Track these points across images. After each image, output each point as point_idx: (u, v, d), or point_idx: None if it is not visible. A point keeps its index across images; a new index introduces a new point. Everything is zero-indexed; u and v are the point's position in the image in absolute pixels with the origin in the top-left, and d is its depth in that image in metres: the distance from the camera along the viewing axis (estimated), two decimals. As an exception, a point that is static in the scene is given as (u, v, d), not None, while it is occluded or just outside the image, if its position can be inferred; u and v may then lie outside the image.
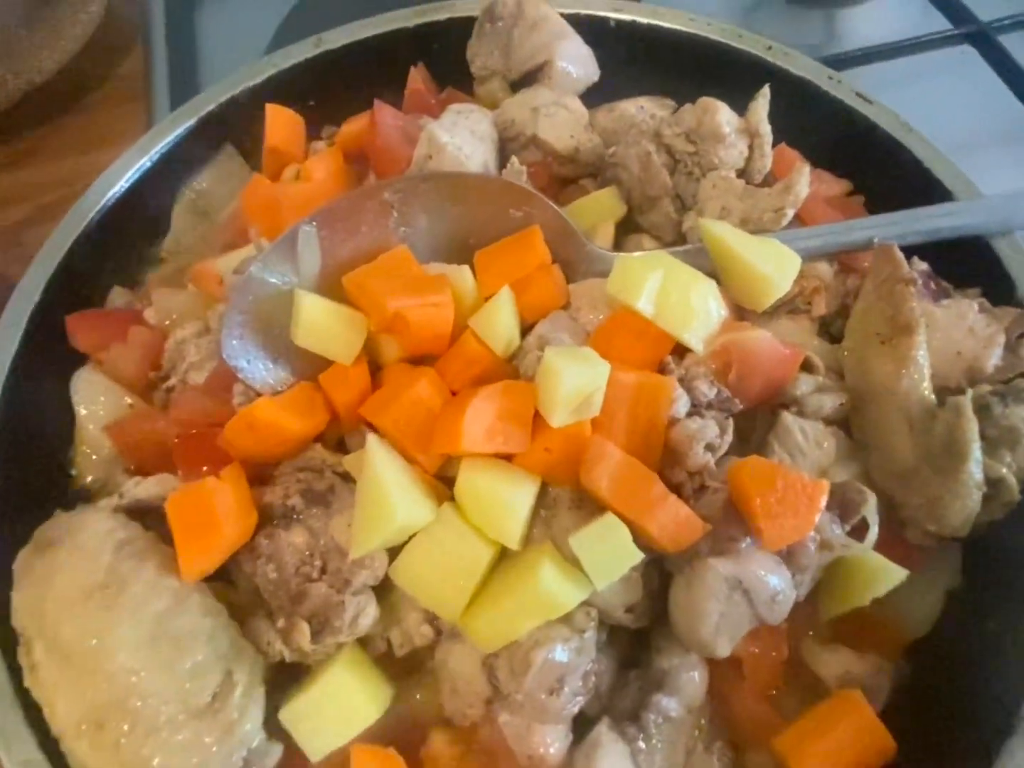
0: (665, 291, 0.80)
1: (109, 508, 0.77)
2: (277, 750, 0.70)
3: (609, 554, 0.67)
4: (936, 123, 1.49)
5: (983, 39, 1.42)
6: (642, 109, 1.08)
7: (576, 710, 0.71)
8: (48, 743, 0.67)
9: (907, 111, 1.53)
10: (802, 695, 0.79)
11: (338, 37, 1.14)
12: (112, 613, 0.67)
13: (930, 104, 1.47)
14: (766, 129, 0.93)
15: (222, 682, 0.67)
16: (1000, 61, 1.39)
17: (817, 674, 0.79)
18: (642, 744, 0.72)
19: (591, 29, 1.13)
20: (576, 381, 0.70)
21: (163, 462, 0.84)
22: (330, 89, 1.14)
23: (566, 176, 1.07)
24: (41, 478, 0.87)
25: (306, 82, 1.13)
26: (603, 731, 0.71)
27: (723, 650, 0.72)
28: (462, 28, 1.14)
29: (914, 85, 1.49)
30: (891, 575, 0.75)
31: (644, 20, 1.13)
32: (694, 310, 0.80)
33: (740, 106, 0.98)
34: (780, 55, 1.08)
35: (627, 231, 1.01)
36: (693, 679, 0.75)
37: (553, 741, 0.70)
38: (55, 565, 0.71)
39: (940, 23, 1.53)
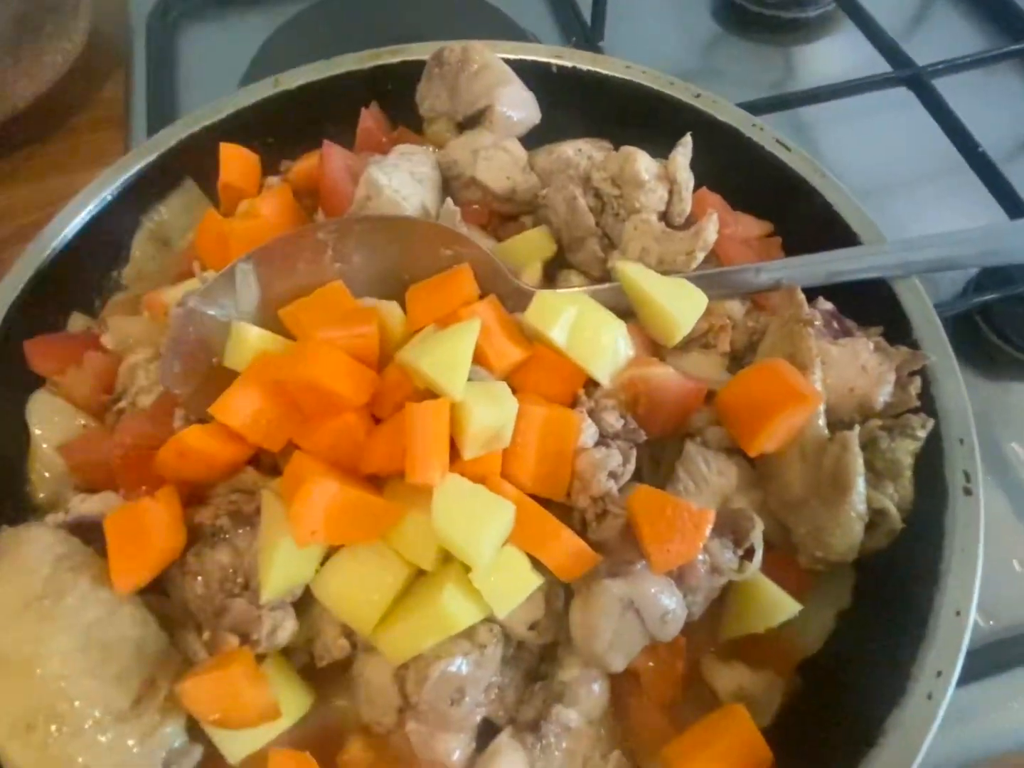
0: (579, 326, 0.87)
1: (53, 523, 0.83)
2: (197, 752, 0.75)
3: (508, 583, 0.73)
4: (874, 161, 1.57)
5: (918, 82, 1.49)
6: (579, 151, 1.14)
7: (478, 720, 0.76)
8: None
9: (847, 149, 1.61)
10: (699, 708, 0.84)
11: (295, 78, 1.20)
12: (47, 623, 0.73)
13: (870, 143, 1.56)
14: (683, 176, 1.00)
15: (144, 687, 0.73)
16: (934, 104, 1.46)
17: (712, 688, 0.85)
18: (540, 753, 0.77)
19: (534, 74, 1.19)
20: (486, 418, 0.76)
21: (110, 480, 0.90)
22: (287, 127, 1.21)
23: (506, 213, 1.13)
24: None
25: (264, 120, 1.20)
26: (504, 740, 0.77)
27: (617, 665, 0.77)
28: (414, 71, 1.21)
29: (856, 123, 1.58)
30: (785, 608, 0.81)
31: (584, 67, 1.20)
32: (603, 346, 0.87)
33: (670, 150, 1.04)
34: (708, 102, 1.15)
35: (559, 267, 1.07)
36: (593, 691, 0.80)
37: (455, 748, 0.76)
38: (-3, 578, 0.76)
39: (884, 64, 1.61)
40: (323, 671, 0.83)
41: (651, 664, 0.82)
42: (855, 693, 0.80)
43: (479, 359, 0.81)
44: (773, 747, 0.77)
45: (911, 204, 1.48)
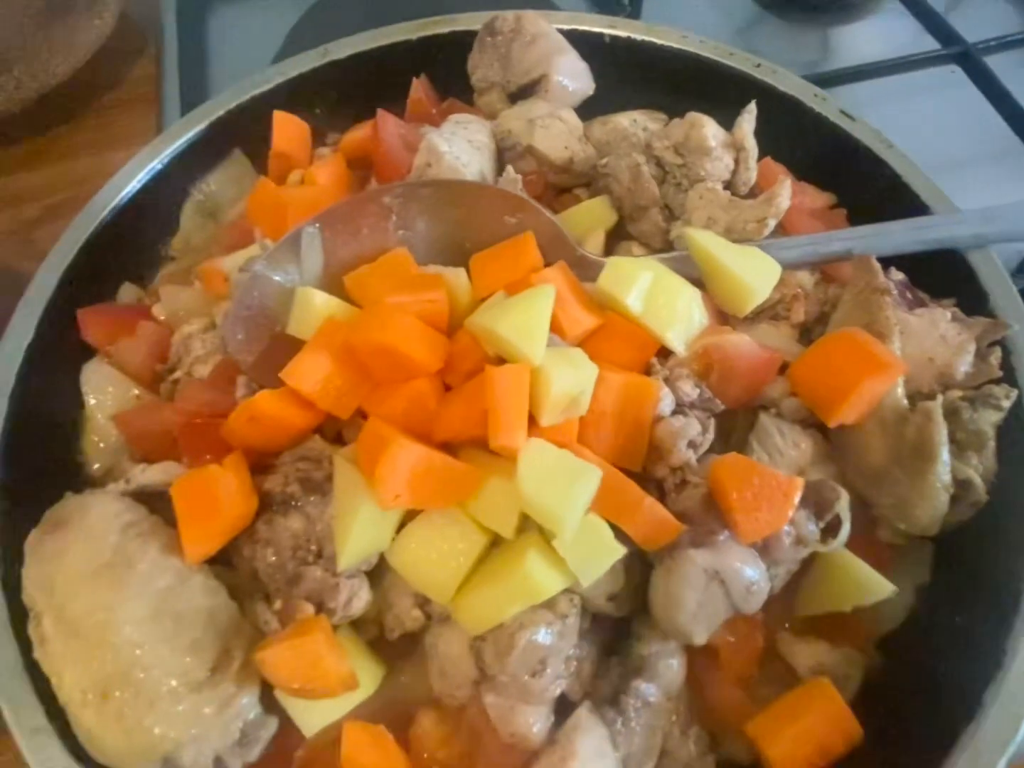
0: (653, 292, 0.84)
1: (116, 492, 0.81)
2: (272, 723, 0.73)
3: (592, 552, 0.70)
4: (922, 141, 1.53)
5: (969, 59, 1.46)
6: (635, 122, 1.12)
7: (558, 692, 0.74)
8: (55, 713, 0.71)
9: (894, 128, 1.58)
10: (775, 684, 0.82)
11: (344, 48, 1.18)
12: (118, 590, 0.71)
13: (917, 122, 1.52)
14: (751, 144, 0.98)
15: (220, 657, 0.71)
16: (985, 81, 1.43)
17: (791, 664, 0.82)
18: (621, 727, 0.75)
19: (587, 45, 1.17)
20: (565, 383, 0.73)
21: (167, 450, 0.88)
22: (336, 98, 1.19)
23: (560, 185, 1.11)
24: (52, 464, 0.90)
25: (312, 91, 1.18)
26: (584, 714, 0.75)
27: (700, 638, 0.75)
28: (463, 41, 1.19)
29: (902, 103, 1.54)
30: (878, 588, 0.78)
31: (639, 37, 1.18)
32: (678, 313, 0.84)
33: (729, 121, 1.02)
34: (768, 72, 1.13)
35: (618, 239, 1.05)
36: (672, 666, 0.78)
37: (535, 721, 0.74)
38: (64, 544, 0.74)
39: (930, 43, 1.58)
40: (388, 644, 0.81)
41: (730, 639, 0.80)
42: (943, 668, 0.78)
43: (552, 326, 0.79)
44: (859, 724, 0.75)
45: (960, 184, 1.45)
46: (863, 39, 1.79)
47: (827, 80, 1.43)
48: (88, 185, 1.52)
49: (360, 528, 0.71)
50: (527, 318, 0.76)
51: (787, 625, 0.85)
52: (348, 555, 0.71)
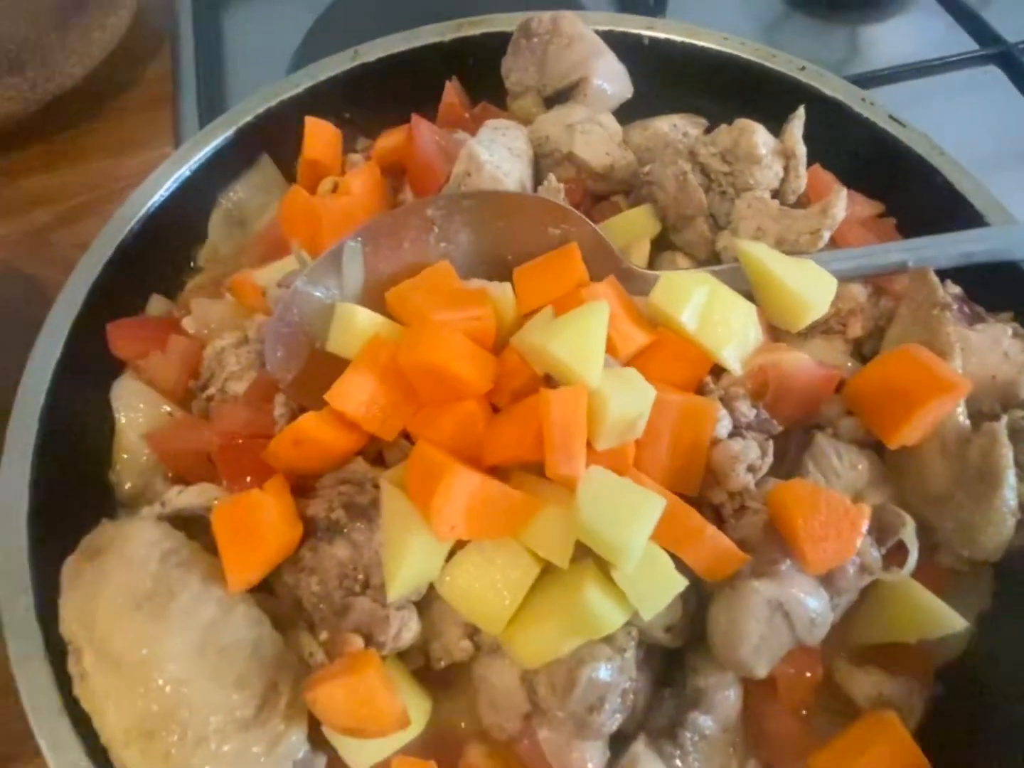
0: (708, 309, 0.81)
1: (153, 517, 0.78)
2: (321, 761, 0.70)
3: (653, 584, 0.68)
4: (960, 143, 1.50)
5: (1009, 60, 1.43)
6: (675, 127, 1.09)
7: (615, 727, 0.72)
8: (97, 751, 0.68)
9: (930, 131, 1.55)
10: (834, 715, 0.80)
11: (374, 50, 1.15)
12: (161, 623, 0.68)
13: (954, 124, 1.48)
14: (802, 151, 0.94)
15: (267, 693, 0.68)
16: (1027, 82, 1.40)
17: (849, 694, 0.80)
18: (679, 761, 0.73)
19: (625, 46, 1.14)
20: (623, 406, 0.70)
21: (202, 470, 0.85)
22: (365, 102, 1.16)
23: (599, 192, 1.08)
24: (82, 484, 0.87)
25: (342, 94, 1.14)
26: (641, 748, 0.72)
27: (762, 671, 0.72)
28: (497, 43, 1.15)
29: (937, 104, 1.51)
30: (947, 621, 0.76)
31: (678, 39, 1.15)
32: (734, 330, 0.81)
33: (771, 125, 0.99)
34: (814, 76, 1.10)
35: (660, 249, 1.01)
36: (728, 698, 0.76)
37: (592, 757, 0.71)
38: (103, 574, 0.71)
39: (964, 42, 1.54)
40: (432, 673, 0.78)
41: (789, 669, 0.77)
42: (1008, 699, 0.75)
43: (610, 348, 0.76)
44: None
45: (999, 189, 1.42)
46: (893, 38, 1.75)
47: (863, 82, 1.39)
48: (104, 188, 1.51)
49: (412, 558, 0.68)
50: (582, 338, 0.73)
51: (844, 653, 0.82)
52: (399, 586, 0.69)
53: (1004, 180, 1.45)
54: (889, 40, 1.74)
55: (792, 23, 1.79)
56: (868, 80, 1.42)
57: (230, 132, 1.08)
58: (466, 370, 0.73)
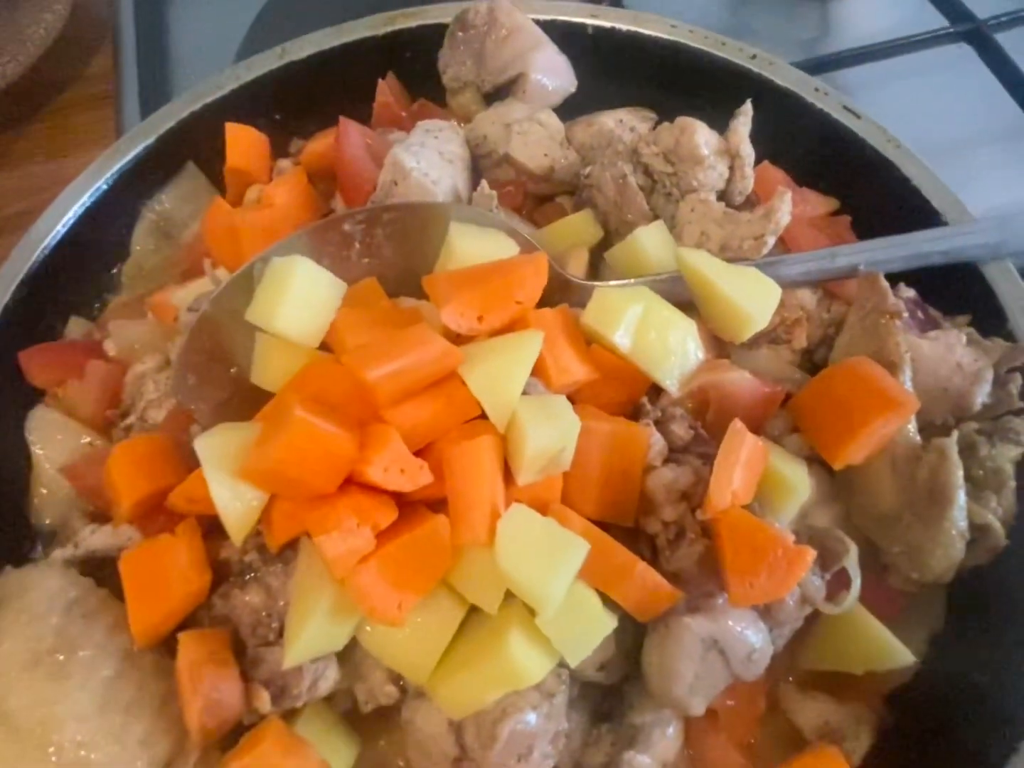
0: (643, 326, 0.77)
1: (61, 562, 0.74)
2: (237, 820, 0.67)
3: (580, 628, 0.65)
4: (931, 123, 1.45)
5: (980, 37, 1.36)
6: (621, 123, 1.03)
7: (546, 771, 0.69)
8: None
9: (901, 110, 1.48)
10: (778, 741, 0.77)
11: (302, 47, 1.08)
12: (61, 681, 0.65)
13: (924, 103, 1.43)
14: (747, 150, 0.89)
15: (175, 750, 0.65)
16: (997, 60, 1.34)
17: (795, 723, 0.77)
18: (614, 803, 0.70)
19: (568, 37, 1.08)
20: (543, 440, 0.66)
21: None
22: (296, 102, 1.10)
23: (542, 194, 1.02)
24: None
25: (271, 95, 1.08)
26: (574, 791, 0.69)
27: (698, 709, 0.70)
28: (434, 36, 1.09)
29: (908, 82, 1.45)
30: (895, 655, 0.74)
31: (623, 27, 1.08)
32: (671, 349, 0.77)
33: (723, 117, 0.93)
34: (765, 64, 1.04)
35: (602, 255, 0.96)
36: (667, 735, 0.73)
37: (522, 804, 0.68)
38: (1, 627, 0.68)
39: (934, 18, 1.48)
40: (363, 715, 0.75)
41: (730, 703, 0.74)
42: (959, 729, 0.73)
43: (538, 372, 0.72)
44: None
45: (969, 169, 1.36)
46: (863, 14, 1.69)
47: (829, 63, 1.34)
48: (46, 194, 1.41)
49: (315, 626, 0.64)
50: (501, 371, 0.68)
51: (790, 678, 0.80)
52: (296, 654, 0.64)
53: (975, 159, 1.41)
54: (859, 17, 1.68)
55: (761, 1, 1.72)
56: (835, 61, 1.36)
57: (151, 140, 1.02)
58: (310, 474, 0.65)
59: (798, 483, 0.75)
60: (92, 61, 1.64)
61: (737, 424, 0.70)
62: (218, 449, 0.66)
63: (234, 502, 0.65)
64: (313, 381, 0.70)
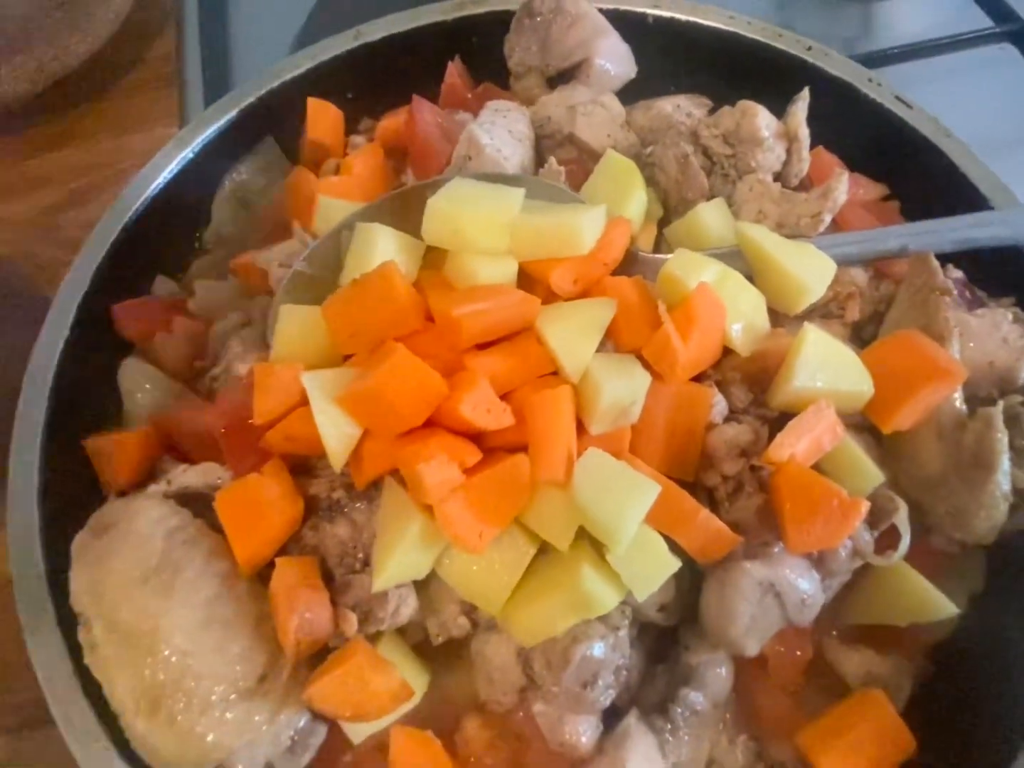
0: (719, 287, 0.81)
1: (159, 495, 0.80)
2: (322, 731, 0.73)
3: (647, 566, 0.69)
4: (973, 122, 1.47)
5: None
6: (679, 108, 1.08)
7: (608, 703, 0.73)
8: (107, 717, 0.71)
9: (943, 109, 1.52)
10: (823, 692, 0.81)
11: (376, 30, 1.14)
12: (167, 597, 0.70)
13: (967, 103, 1.46)
14: (805, 133, 0.94)
15: (269, 665, 0.70)
16: (1041, 61, 1.37)
17: (839, 673, 0.81)
18: (669, 736, 0.75)
19: (628, 25, 1.13)
20: (616, 392, 0.71)
21: (206, 450, 0.87)
22: (368, 82, 1.15)
23: (602, 173, 1.07)
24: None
25: (344, 75, 1.14)
26: (632, 722, 0.74)
27: (752, 650, 0.74)
28: (500, 23, 1.14)
29: (951, 82, 1.48)
30: (939, 607, 0.77)
31: (683, 17, 1.13)
32: (742, 312, 0.81)
33: (777, 106, 0.98)
34: (820, 56, 1.08)
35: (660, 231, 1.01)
36: (720, 675, 0.77)
37: (585, 731, 0.73)
38: (111, 549, 0.74)
39: (978, 19, 1.51)
40: (432, 647, 0.80)
41: (779, 648, 0.79)
42: (996, 680, 0.77)
43: (612, 334, 0.77)
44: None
45: (1011, 168, 1.40)
46: (906, 15, 1.72)
47: (873, 60, 1.38)
48: (110, 169, 1.51)
49: (403, 553, 0.69)
50: (577, 328, 0.74)
51: (834, 632, 0.84)
52: (386, 579, 0.70)
53: (1017, 161, 1.44)
54: (903, 17, 1.71)
55: (804, 0, 1.76)
56: (879, 59, 1.40)
57: (233, 113, 1.08)
58: (407, 404, 0.70)
59: (872, 469, 0.78)
60: (155, 45, 1.70)
61: (823, 403, 0.74)
62: (323, 382, 0.72)
63: (335, 430, 0.71)
64: (408, 336, 0.75)
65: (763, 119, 0.92)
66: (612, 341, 0.78)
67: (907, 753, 0.73)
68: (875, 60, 1.38)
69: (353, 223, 0.84)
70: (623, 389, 0.73)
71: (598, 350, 0.75)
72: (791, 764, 0.78)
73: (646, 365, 0.77)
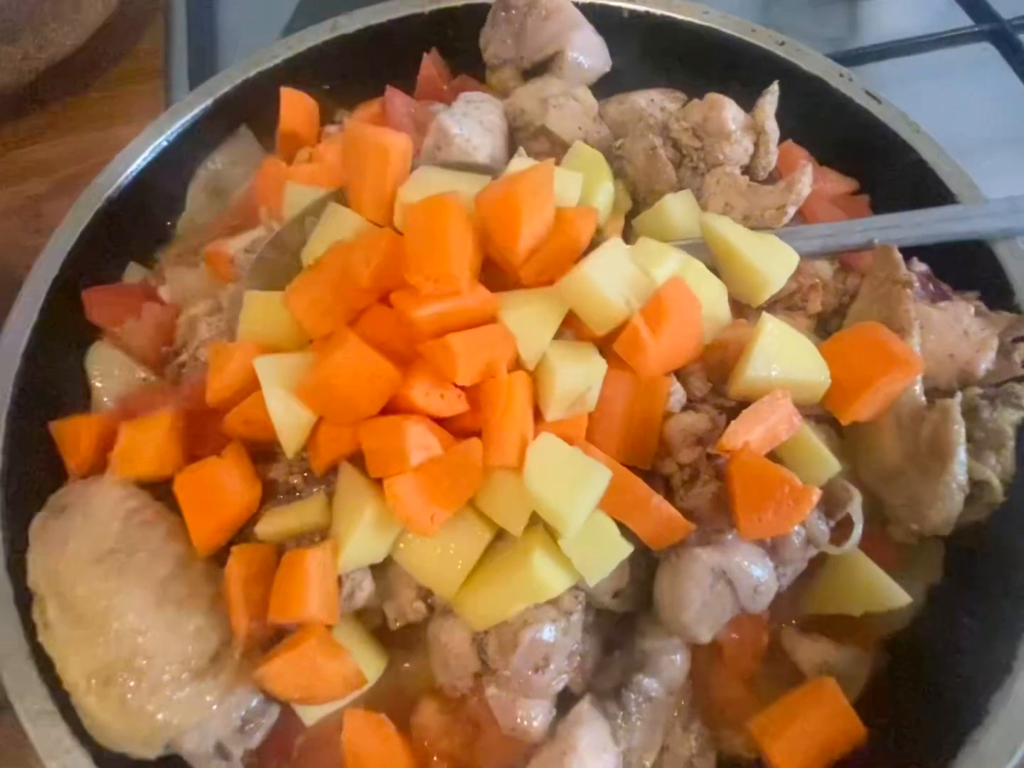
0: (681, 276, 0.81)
1: (120, 478, 0.81)
2: (274, 711, 0.73)
3: (598, 551, 0.70)
4: (952, 121, 1.48)
5: (1004, 37, 1.40)
6: (652, 102, 1.09)
7: (560, 687, 0.74)
8: (59, 695, 0.71)
9: (923, 108, 1.52)
10: (779, 680, 0.82)
11: (353, 22, 1.15)
12: (121, 577, 0.71)
13: (947, 101, 1.47)
14: (772, 127, 0.94)
15: (223, 644, 0.71)
16: (1020, 60, 1.38)
17: (795, 661, 0.82)
18: (622, 722, 0.75)
19: (604, 19, 1.13)
20: (572, 378, 0.72)
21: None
22: (344, 73, 1.16)
23: (574, 166, 1.08)
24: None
25: (321, 66, 1.15)
26: (585, 707, 0.74)
27: (705, 637, 0.74)
28: (476, 15, 1.15)
29: (931, 81, 1.48)
30: (894, 596, 0.78)
31: (658, 11, 1.14)
32: (703, 301, 0.81)
33: (751, 100, 0.99)
34: (792, 51, 1.09)
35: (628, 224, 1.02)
36: (674, 662, 0.78)
37: (537, 715, 0.73)
38: (69, 529, 0.74)
39: (960, 19, 1.52)
40: (391, 632, 0.81)
41: (734, 636, 0.79)
42: (950, 671, 0.77)
43: (570, 322, 0.77)
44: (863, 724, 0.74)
45: (991, 167, 1.39)
46: (890, 13, 1.72)
47: (853, 58, 1.38)
48: (95, 160, 1.51)
49: (361, 536, 0.70)
50: (532, 318, 0.74)
51: (792, 621, 0.84)
52: (342, 563, 0.70)
53: (995, 160, 1.44)
54: (887, 15, 1.71)
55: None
56: (860, 56, 1.40)
57: (208, 103, 1.09)
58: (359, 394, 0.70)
59: (829, 459, 0.78)
60: (143, 37, 1.71)
61: (779, 393, 0.74)
62: (277, 369, 0.72)
63: (288, 417, 0.71)
64: (363, 321, 0.76)
65: (730, 112, 0.93)
66: (571, 330, 0.79)
67: (856, 742, 0.73)
68: (854, 58, 1.38)
69: (319, 208, 0.84)
70: (579, 375, 0.73)
71: (558, 339, 0.76)
72: (744, 751, 0.78)
73: (618, 358, 0.78)
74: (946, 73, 1.48)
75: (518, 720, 0.73)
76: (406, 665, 0.82)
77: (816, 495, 0.71)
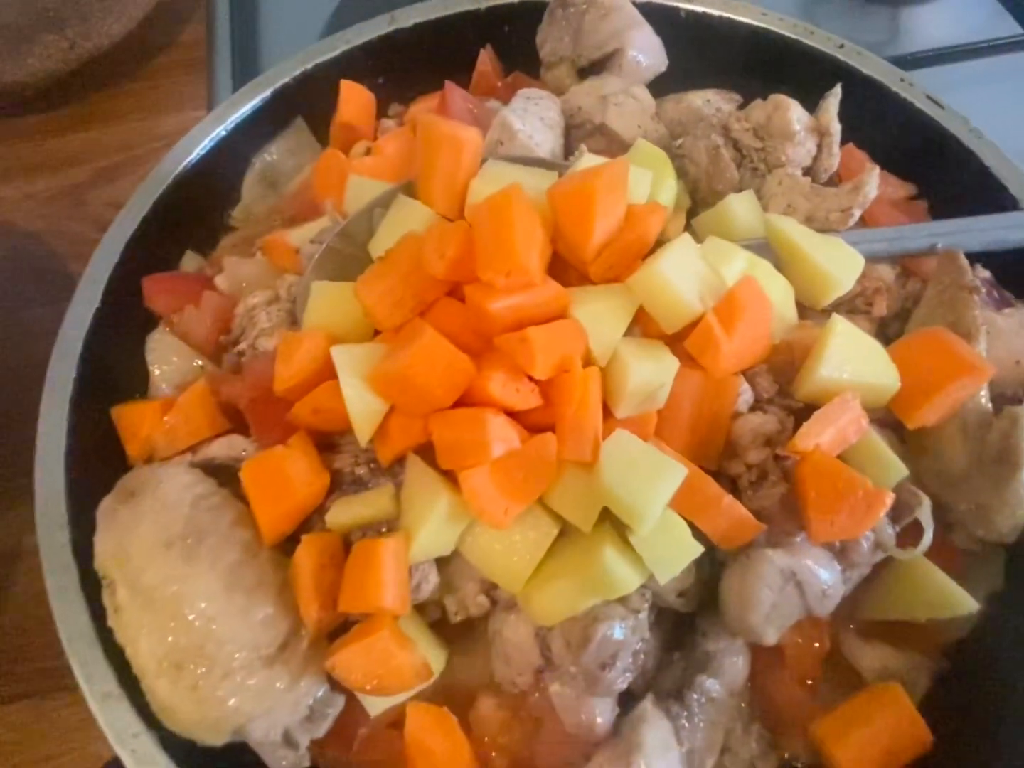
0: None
1: (185, 463, 0.81)
2: (340, 701, 0.73)
3: (669, 549, 0.69)
4: (999, 129, 1.47)
5: (1054, 45, 1.40)
6: (708, 102, 1.08)
7: (625, 686, 0.73)
8: (126, 679, 0.71)
9: (972, 115, 1.51)
10: (837, 685, 0.81)
11: (409, 16, 1.15)
12: (191, 562, 0.71)
13: (995, 109, 1.45)
14: (836, 128, 0.94)
15: (291, 632, 0.71)
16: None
17: (855, 667, 0.81)
18: (684, 722, 0.75)
19: (661, 19, 1.13)
20: (644, 375, 0.72)
21: (231, 422, 0.88)
22: (399, 67, 1.16)
23: (630, 165, 1.07)
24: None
25: (376, 59, 1.15)
26: (649, 707, 0.74)
27: (771, 638, 0.74)
28: (532, 12, 1.15)
29: (978, 88, 1.47)
30: (959, 603, 0.77)
31: (715, 12, 1.13)
32: (772, 301, 0.81)
33: (807, 103, 0.98)
34: (852, 54, 1.08)
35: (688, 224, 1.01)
36: (736, 663, 0.77)
37: (601, 713, 0.73)
38: (137, 514, 0.74)
39: (1005, 26, 1.51)
40: (449, 626, 0.81)
41: (797, 639, 0.79)
42: (1012, 679, 0.76)
43: (640, 320, 0.77)
44: (929, 730, 0.74)
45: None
46: (935, 21, 1.71)
47: (902, 64, 1.36)
48: (138, 148, 1.53)
49: (430, 530, 0.70)
50: (604, 315, 0.74)
51: (852, 626, 0.84)
52: (412, 556, 0.70)
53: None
54: (931, 22, 1.70)
55: (830, 3, 1.75)
56: (908, 62, 1.40)
57: (267, 93, 1.09)
58: (435, 383, 0.70)
59: (897, 463, 0.77)
60: (187, 28, 1.72)
61: (849, 395, 0.74)
62: (352, 357, 0.72)
63: (362, 405, 0.71)
64: (433, 313, 0.76)
65: (795, 113, 0.93)
66: (638, 327, 0.79)
67: (923, 747, 0.73)
68: (903, 63, 1.36)
69: (386, 201, 0.84)
70: (651, 372, 0.73)
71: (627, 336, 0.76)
72: (804, 754, 0.78)
73: (687, 357, 0.77)
74: (991, 80, 1.48)
75: (583, 717, 0.73)
76: (464, 659, 0.82)
77: (889, 498, 0.70)
